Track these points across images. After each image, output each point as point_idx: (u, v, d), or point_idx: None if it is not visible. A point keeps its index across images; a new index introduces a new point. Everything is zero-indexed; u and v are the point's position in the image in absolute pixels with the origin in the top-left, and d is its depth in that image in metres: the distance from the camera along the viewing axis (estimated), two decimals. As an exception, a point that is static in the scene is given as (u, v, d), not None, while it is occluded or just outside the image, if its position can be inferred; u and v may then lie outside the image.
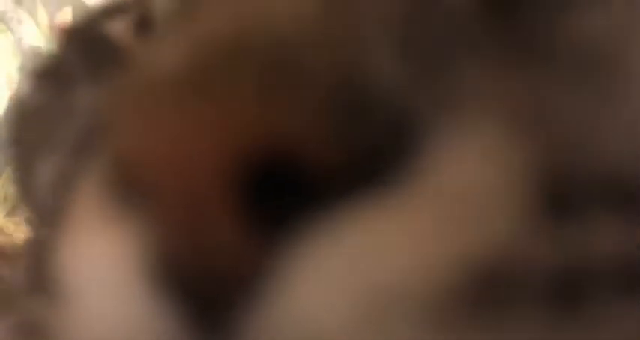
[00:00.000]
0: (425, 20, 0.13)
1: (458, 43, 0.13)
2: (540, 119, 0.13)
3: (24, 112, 0.23)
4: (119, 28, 0.24)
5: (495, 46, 0.14)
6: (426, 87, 0.13)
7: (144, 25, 0.24)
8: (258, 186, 0.12)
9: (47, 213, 0.18)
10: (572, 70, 0.14)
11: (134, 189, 0.12)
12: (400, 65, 0.12)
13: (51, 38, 1.11)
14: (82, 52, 0.24)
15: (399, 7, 0.13)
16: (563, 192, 0.12)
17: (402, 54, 0.13)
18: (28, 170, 0.21)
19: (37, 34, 1.13)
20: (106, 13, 0.26)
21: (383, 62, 0.12)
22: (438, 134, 0.12)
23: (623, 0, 0.14)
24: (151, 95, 0.12)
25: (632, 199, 0.13)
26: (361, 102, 0.12)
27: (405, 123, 0.12)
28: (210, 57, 0.12)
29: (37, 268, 0.17)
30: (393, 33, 0.13)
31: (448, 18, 0.14)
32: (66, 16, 1.11)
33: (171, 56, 0.12)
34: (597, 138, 0.13)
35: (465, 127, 0.12)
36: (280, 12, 0.13)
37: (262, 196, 0.12)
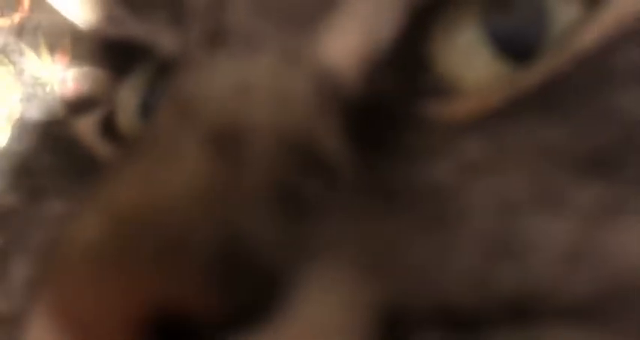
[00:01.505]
0: (301, 182, 0.16)
1: (328, 198, 0.16)
2: (390, 261, 0.16)
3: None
4: (85, 127, 0.27)
5: (360, 197, 0.17)
6: (294, 243, 0.16)
7: (108, 124, 0.27)
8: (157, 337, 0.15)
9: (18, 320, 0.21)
10: (422, 214, 0.16)
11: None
12: (274, 226, 0.16)
13: (52, 69, 1.14)
14: (50, 152, 0.27)
15: (280, 173, 0.16)
16: (405, 324, 0.15)
17: (277, 214, 0.16)
18: (4, 266, 0.24)
19: (38, 66, 1.16)
20: (76, 107, 0.29)
21: (258, 227, 0.16)
22: (301, 285, 0.15)
23: (466, 155, 0.17)
24: (70, 268, 0.15)
25: (464, 325, 0.16)
26: (234, 265, 0.15)
27: (274, 279, 0.15)
28: (115, 236, 0.15)
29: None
30: (272, 196, 0.16)
31: (323, 177, 0.17)
32: (66, 46, 1.14)
33: (85, 232, 0.15)
34: (436, 273, 0.16)
35: (324, 277, 0.16)
36: (178, 186, 0.16)
37: None
